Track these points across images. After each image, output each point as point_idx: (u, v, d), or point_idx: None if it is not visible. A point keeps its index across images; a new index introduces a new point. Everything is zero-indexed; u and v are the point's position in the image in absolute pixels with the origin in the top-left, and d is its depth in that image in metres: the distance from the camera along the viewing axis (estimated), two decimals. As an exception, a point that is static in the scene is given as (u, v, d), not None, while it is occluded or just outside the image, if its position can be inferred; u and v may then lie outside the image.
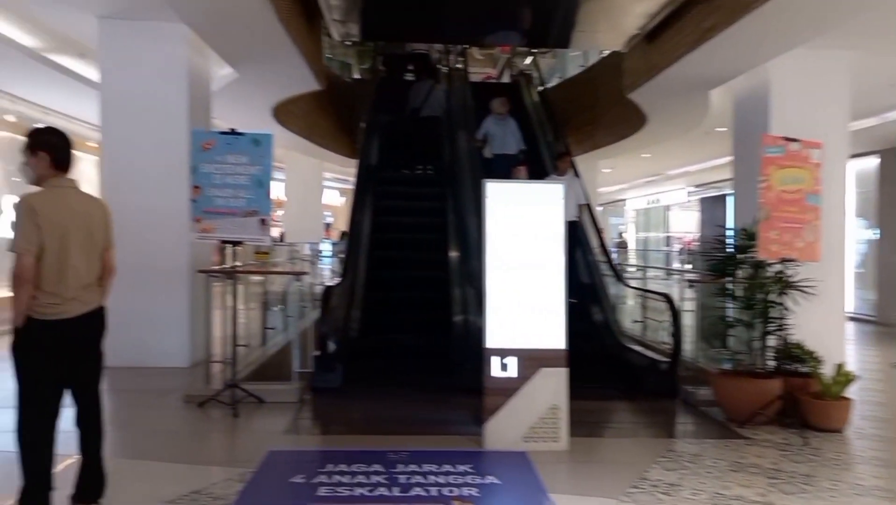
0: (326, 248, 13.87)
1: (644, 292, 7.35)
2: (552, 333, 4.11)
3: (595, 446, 4.35)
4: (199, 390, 5.21)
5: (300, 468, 3.68)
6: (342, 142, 12.91)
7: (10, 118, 8.84)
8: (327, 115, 11.51)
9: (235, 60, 7.02)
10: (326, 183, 19.36)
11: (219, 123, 7.69)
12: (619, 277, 7.36)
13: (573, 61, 12.57)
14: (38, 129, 3.00)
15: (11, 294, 2.81)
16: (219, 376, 5.49)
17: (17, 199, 2.86)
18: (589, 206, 7.68)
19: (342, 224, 25.54)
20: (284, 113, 9.60)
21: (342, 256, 8.59)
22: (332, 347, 5.58)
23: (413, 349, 6.45)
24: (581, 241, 7.44)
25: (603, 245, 7.63)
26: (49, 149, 2.91)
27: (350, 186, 24.71)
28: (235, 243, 4.96)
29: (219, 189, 4.84)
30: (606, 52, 9.67)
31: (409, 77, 11.08)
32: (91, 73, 7.68)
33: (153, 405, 5.11)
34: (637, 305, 7.62)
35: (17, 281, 2.78)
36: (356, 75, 13.39)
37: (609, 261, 7.55)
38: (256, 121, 9.31)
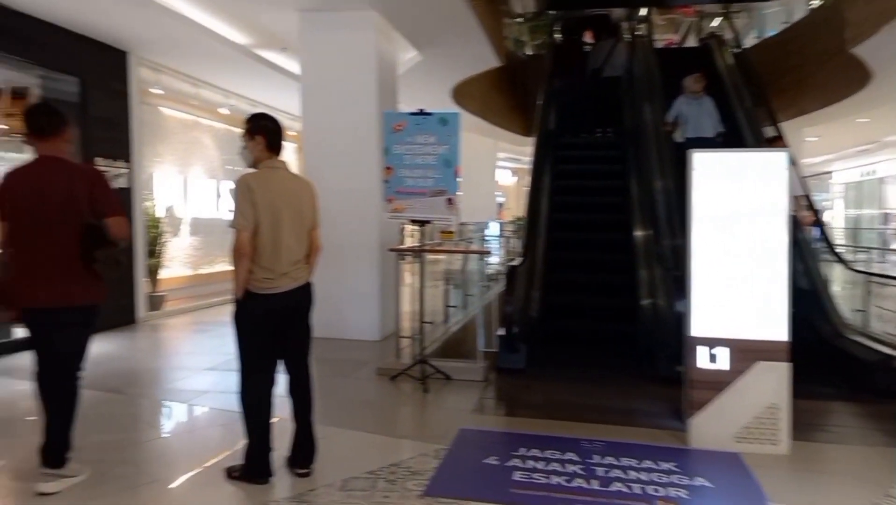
0: (495, 229, 13.92)
1: (875, 277, 6.35)
2: (771, 323, 3.64)
3: (820, 453, 3.81)
4: (391, 364, 5.42)
5: (492, 449, 3.65)
6: (515, 120, 12.79)
7: (224, 111, 9.88)
8: (502, 94, 11.44)
9: (421, 43, 7.16)
10: (499, 163, 19.41)
11: (402, 108, 7.91)
12: (840, 259, 6.43)
13: (773, 19, 11.22)
14: (255, 115, 3.18)
15: (232, 268, 3.03)
16: (407, 351, 5.69)
17: (233, 183, 3.05)
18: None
19: (513, 204, 25.59)
20: (462, 93, 9.69)
21: (520, 236, 8.54)
22: (516, 327, 5.50)
23: (596, 333, 6.19)
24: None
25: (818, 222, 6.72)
26: (265, 132, 3.09)
27: (522, 166, 24.66)
28: (424, 222, 5.04)
29: (409, 169, 4.94)
30: (817, 3, 8.45)
31: (589, 39, 10.60)
32: (291, 65, 8.31)
33: (350, 376, 5.41)
34: (856, 291, 6.62)
35: (236, 255, 2.98)
36: (528, 51, 13.15)
37: (826, 240, 6.63)
38: (436, 103, 9.48)
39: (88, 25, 6.48)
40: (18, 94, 7.94)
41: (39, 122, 3.09)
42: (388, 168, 4.99)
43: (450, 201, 4.88)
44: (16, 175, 3.10)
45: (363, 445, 3.80)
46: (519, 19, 11.77)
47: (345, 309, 6.71)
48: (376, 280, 6.74)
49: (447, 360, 5.47)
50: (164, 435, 4.09)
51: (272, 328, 3.09)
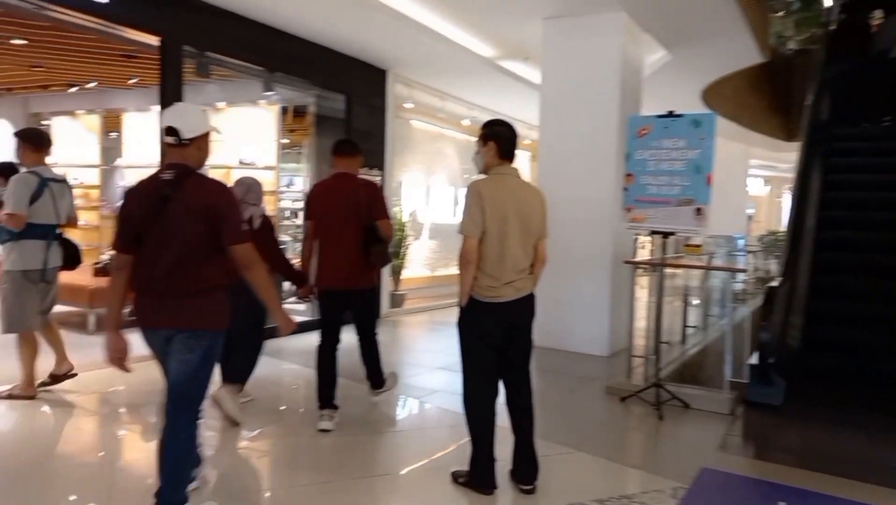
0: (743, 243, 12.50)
1: None
2: None
3: None
4: (621, 384, 5.09)
5: (742, 498, 3.17)
6: (774, 123, 11.38)
7: (466, 122, 10.34)
8: (759, 94, 10.26)
9: (672, 43, 6.70)
10: (751, 171, 17.51)
11: (644, 112, 7.47)
12: None
13: None
14: (490, 121, 3.17)
15: (459, 273, 3.02)
16: (639, 372, 5.30)
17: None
18: None
19: (764, 217, 22.91)
20: (713, 94, 8.88)
21: (771, 253, 7.52)
22: (772, 357, 4.79)
23: (872, 373, 5.13)
24: None
25: None
26: (497, 138, 3.05)
27: (777, 174, 21.98)
28: (666, 234, 4.64)
29: (652, 176, 4.58)
30: None
31: (877, 18, 9.02)
32: (531, 74, 8.37)
33: (576, 391, 5.20)
34: None
35: (462, 261, 2.96)
36: (793, 47, 11.61)
37: None
38: (682, 106, 8.81)
39: (356, 48, 7.22)
40: (299, 111, 9.21)
41: (343, 147, 4.17)
42: (628, 175, 4.69)
43: (699, 211, 4.42)
44: (320, 186, 4.19)
45: (590, 470, 3.58)
46: (782, 12, 10.45)
47: (572, 321, 6.52)
48: (607, 293, 6.43)
49: (685, 385, 4.97)
50: (397, 429, 4.31)
51: (494, 338, 3.04)
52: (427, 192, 10.10)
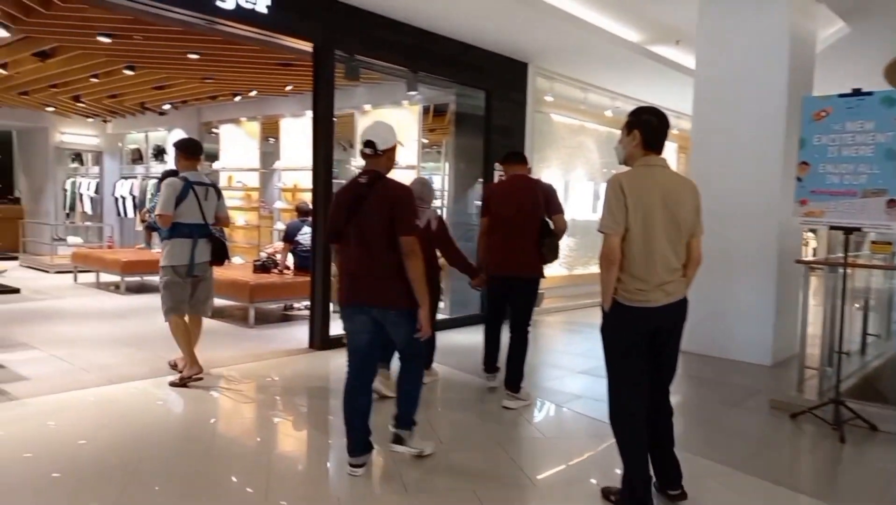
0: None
1: None
2: None
3: None
4: (791, 399, 4.56)
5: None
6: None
7: (609, 113, 9.90)
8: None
9: (851, 13, 5.90)
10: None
11: (816, 93, 6.68)
12: None
13: None
14: (638, 109, 2.91)
15: (600, 274, 2.78)
16: (811, 385, 4.72)
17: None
18: None
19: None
20: (901, 71, 7.72)
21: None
22: None
23: None
24: None
25: None
26: (643, 127, 2.78)
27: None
28: (850, 230, 4.05)
29: (833, 165, 4.03)
30: None
31: None
32: (684, 59, 7.82)
33: (739, 405, 4.72)
34: None
35: (604, 262, 2.73)
36: None
37: None
38: (860, 83, 7.80)
39: (498, 42, 7.14)
40: (438, 111, 9.33)
41: (514, 157, 4.74)
42: (803, 164, 4.16)
43: (891, 204, 3.81)
44: (496, 186, 5.09)
45: (754, 494, 3.20)
46: None
47: (730, 324, 5.97)
48: (771, 294, 5.81)
49: (870, 403, 4.34)
50: (537, 435, 4.15)
51: (642, 346, 2.77)
52: (566, 187, 9.80)
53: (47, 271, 10.80)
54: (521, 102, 7.98)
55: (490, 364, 4.74)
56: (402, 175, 8.63)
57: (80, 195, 13.42)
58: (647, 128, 2.77)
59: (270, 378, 5.05)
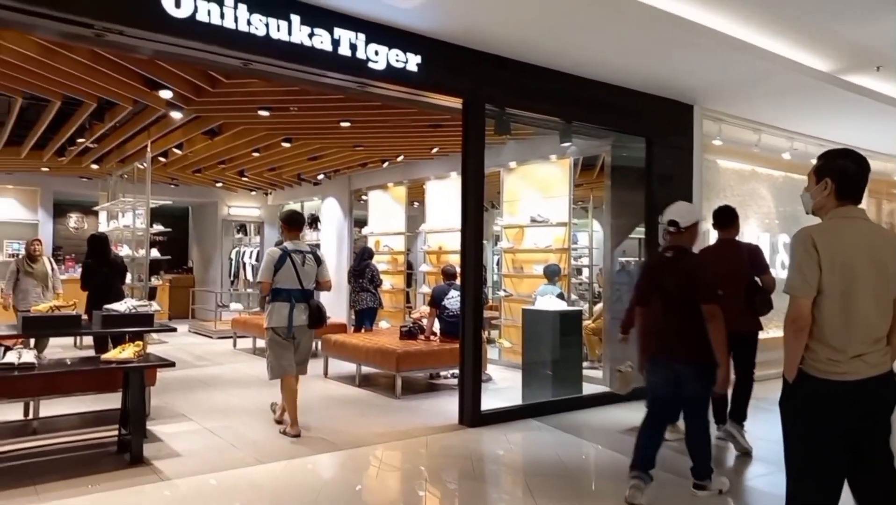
0: None
1: None
2: None
3: None
4: None
5: None
6: None
7: (786, 156, 8.73)
8: None
9: None
10: None
11: None
12: None
13: None
14: (829, 152, 2.57)
15: (785, 340, 2.45)
16: None
17: (792, 237, 2.50)
18: None
19: None
20: None
21: None
22: None
23: None
24: None
25: None
26: (835, 174, 2.47)
27: None
28: None
29: None
30: None
31: None
32: (886, 88, 6.66)
33: None
34: None
35: (791, 327, 2.40)
36: None
37: None
38: None
39: (659, 83, 6.49)
40: (587, 164, 8.77)
41: (722, 217, 5.02)
42: None
43: None
44: (707, 251, 4.99)
45: None
46: None
47: None
48: None
49: None
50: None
51: (837, 428, 2.33)
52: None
53: (211, 337, 11.36)
54: (685, 148, 7.17)
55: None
56: (551, 232, 8.15)
57: (244, 263, 14.31)
58: (843, 175, 2.46)
59: (420, 460, 4.58)
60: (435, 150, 9.19)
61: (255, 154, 9.53)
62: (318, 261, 5.24)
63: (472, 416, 5.39)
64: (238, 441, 4.90)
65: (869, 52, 6.14)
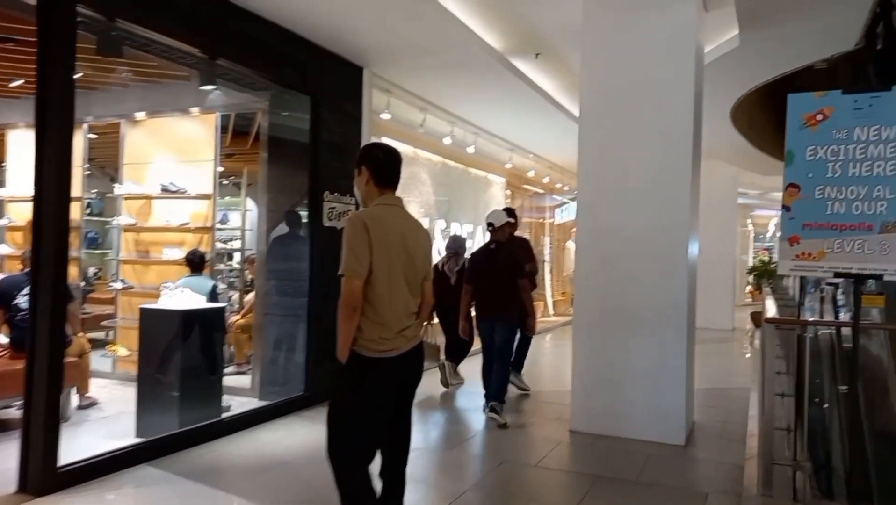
0: None
1: None
2: None
3: None
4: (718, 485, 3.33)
5: None
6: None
7: (447, 140, 8.60)
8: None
9: (752, 21, 5.13)
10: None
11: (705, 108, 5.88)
12: None
13: None
14: (366, 146, 2.86)
15: (340, 323, 2.50)
16: (781, 477, 3.56)
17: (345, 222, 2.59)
18: None
19: None
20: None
21: None
22: None
23: None
24: None
25: None
26: (371, 163, 2.68)
27: None
28: (864, 278, 2.93)
29: (835, 188, 2.91)
30: None
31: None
32: (538, 78, 6.76)
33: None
34: None
35: (346, 309, 2.48)
36: None
37: None
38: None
39: (325, 34, 5.37)
40: (241, 130, 7.25)
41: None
42: (792, 187, 3.00)
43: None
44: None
45: None
46: None
47: (636, 399, 4.76)
48: (682, 356, 4.72)
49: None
50: None
51: (387, 397, 2.56)
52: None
53: None
54: (355, 118, 6.25)
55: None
56: (190, 206, 6.44)
57: None
58: (375, 162, 2.69)
59: None
60: (18, 82, 6.50)
61: None
62: None
63: (43, 477, 3.51)
64: None
65: (532, 37, 6.06)
